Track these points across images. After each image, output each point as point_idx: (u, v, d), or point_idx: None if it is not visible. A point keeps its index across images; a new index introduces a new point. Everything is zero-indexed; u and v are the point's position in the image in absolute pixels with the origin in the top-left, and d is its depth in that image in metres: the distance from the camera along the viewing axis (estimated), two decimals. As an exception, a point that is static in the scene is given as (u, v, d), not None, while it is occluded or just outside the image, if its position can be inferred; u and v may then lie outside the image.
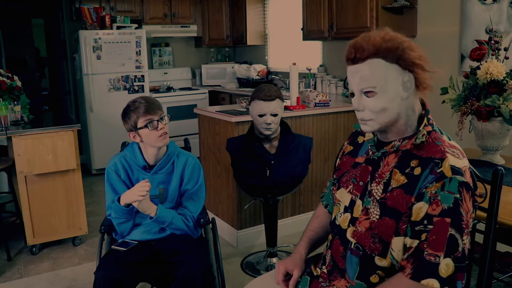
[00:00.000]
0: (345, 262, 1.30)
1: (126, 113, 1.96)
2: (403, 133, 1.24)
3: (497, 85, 2.08)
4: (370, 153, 1.32)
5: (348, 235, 1.29)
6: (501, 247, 2.46)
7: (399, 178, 1.20)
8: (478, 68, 2.14)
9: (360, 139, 1.42)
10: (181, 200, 2.08)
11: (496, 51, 2.16)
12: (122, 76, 5.16)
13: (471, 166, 1.22)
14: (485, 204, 1.52)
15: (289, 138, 2.64)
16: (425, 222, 1.12)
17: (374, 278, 1.25)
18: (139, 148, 2.03)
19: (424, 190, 1.13)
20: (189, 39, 6.26)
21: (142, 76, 5.28)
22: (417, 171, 1.17)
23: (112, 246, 1.98)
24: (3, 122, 3.05)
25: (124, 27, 5.22)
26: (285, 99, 2.83)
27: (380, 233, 1.21)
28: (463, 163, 1.15)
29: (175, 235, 2.02)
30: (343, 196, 1.36)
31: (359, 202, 1.28)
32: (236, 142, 2.71)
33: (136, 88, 5.26)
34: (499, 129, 2.13)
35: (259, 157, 2.57)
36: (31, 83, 7.84)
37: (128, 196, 1.88)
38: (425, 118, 1.24)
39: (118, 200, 1.92)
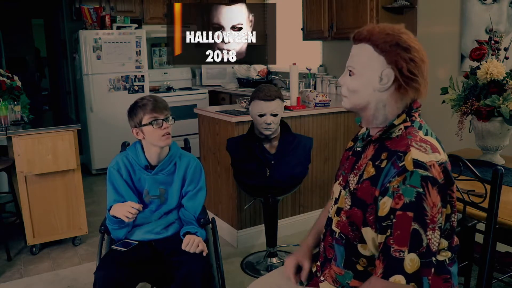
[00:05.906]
0: (334, 251, 1.34)
1: (133, 109, 1.98)
2: (371, 123, 1.28)
3: (497, 85, 2.08)
4: (358, 145, 1.36)
5: (333, 225, 1.33)
6: (501, 247, 2.46)
7: (370, 170, 1.23)
8: (478, 68, 2.14)
9: (360, 134, 1.45)
10: (181, 201, 2.09)
11: (496, 51, 2.16)
12: (122, 76, 5.16)
13: (446, 161, 1.18)
14: (485, 204, 1.52)
15: (289, 138, 2.64)
16: (391, 216, 1.12)
17: (359, 267, 1.27)
18: (142, 148, 2.04)
19: (388, 184, 1.14)
20: (189, 39, 6.26)
21: (142, 76, 5.28)
22: (384, 163, 1.19)
23: (112, 246, 1.98)
24: (3, 122, 3.05)
25: (124, 27, 5.22)
26: (285, 99, 2.83)
27: (354, 221, 1.24)
28: (430, 157, 1.14)
29: (175, 235, 2.03)
30: (335, 188, 1.39)
31: (343, 193, 1.32)
32: (236, 142, 2.71)
33: (136, 88, 5.26)
34: (499, 129, 2.13)
35: (259, 157, 2.57)
36: (31, 83, 7.84)
37: (117, 211, 1.92)
38: (404, 114, 1.23)
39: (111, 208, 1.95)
